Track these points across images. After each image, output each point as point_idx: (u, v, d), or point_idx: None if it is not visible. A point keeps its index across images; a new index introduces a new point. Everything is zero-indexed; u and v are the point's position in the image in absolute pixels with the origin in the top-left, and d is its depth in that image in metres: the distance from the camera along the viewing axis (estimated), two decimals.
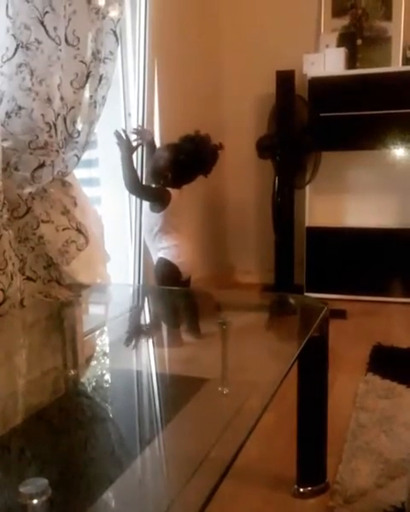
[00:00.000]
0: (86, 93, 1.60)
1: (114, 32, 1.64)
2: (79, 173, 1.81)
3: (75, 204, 1.69)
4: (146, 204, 2.49)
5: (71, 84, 1.55)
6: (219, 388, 1.16)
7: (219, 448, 0.89)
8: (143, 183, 2.56)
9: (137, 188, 2.42)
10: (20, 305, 1.50)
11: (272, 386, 1.04)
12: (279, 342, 1.51)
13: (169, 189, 2.43)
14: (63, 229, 1.64)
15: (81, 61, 1.55)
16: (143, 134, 2.53)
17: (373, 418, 1.80)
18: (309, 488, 1.47)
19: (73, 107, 1.57)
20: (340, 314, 2.85)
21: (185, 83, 2.93)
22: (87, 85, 1.59)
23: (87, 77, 1.58)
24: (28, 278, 1.59)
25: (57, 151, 1.52)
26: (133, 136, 2.47)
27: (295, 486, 1.47)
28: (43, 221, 1.59)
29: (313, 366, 1.42)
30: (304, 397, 1.44)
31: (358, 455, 1.59)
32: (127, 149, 2.35)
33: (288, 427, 1.53)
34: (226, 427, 0.97)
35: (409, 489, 1.27)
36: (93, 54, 1.58)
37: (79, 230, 1.67)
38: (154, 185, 2.49)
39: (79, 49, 1.53)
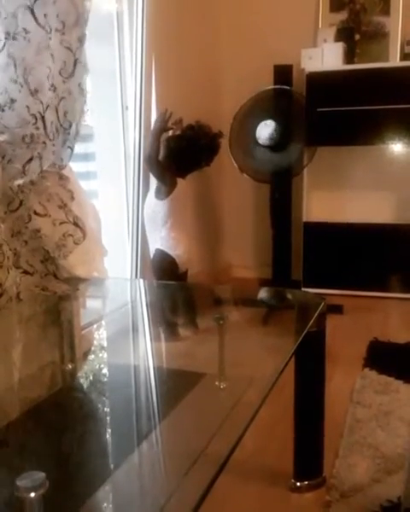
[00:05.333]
0: (75, 81, 1.56)
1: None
2: (76, 167, 1.80)
3: (72, 198, 1.69)
4: (152, 191, 2.53)
5: (60, 73, 1.49)
6: (217, 383, 1.16)
7: (217, 442, 0.89)
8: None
9: (155, 160, 2.48)
10: (16, 298, 1.50)
11: (269, 380, 1.03)
12: (276, 337, 1.50)
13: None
14: (60, 223, 1.63)
15: (67, 48, 1.48)
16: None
17: (370, 413, 1.81)
18: (306, 482, 1.47)
19: (63, 98, 1.53)
20: (337, 309, 2.85)
21: (183, 77, 2.92)
22: (75, 73, 1.54)
23: (74, 64, 1.53)
24: (25, 272, 1.58)
25: (44, 143, 1.49)
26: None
27: (292, 481, 1.47)
28: (39, 215, 1.59)
29: (311, 361, 1.42)
30: (301, 392, 1.44)
31: (355, 450, 1.60)
32: (161, 126, 2.50)
33: (285, 421, 1.53)
34: (224, 421, 0.97)
35: (406, 484, 1.27)
36: (79, 39, 1.52)
37: (76, 224, 1.66)
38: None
39: (64, 34, 1.46)
